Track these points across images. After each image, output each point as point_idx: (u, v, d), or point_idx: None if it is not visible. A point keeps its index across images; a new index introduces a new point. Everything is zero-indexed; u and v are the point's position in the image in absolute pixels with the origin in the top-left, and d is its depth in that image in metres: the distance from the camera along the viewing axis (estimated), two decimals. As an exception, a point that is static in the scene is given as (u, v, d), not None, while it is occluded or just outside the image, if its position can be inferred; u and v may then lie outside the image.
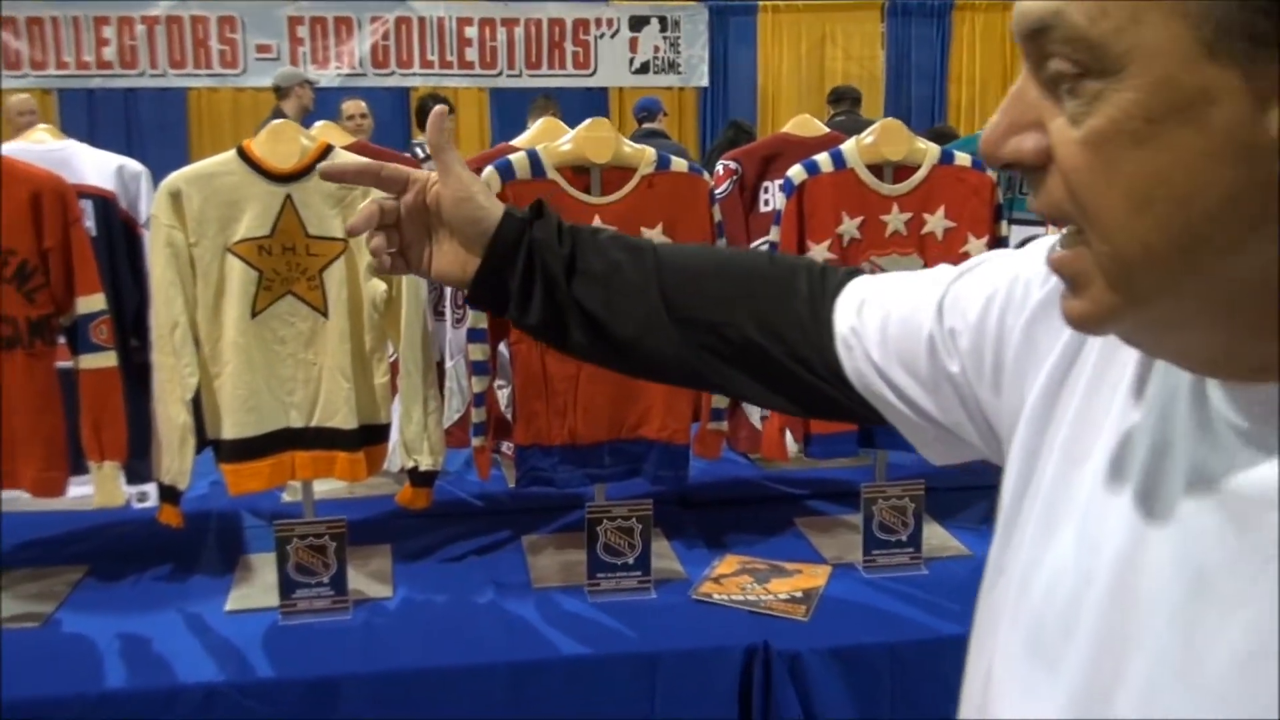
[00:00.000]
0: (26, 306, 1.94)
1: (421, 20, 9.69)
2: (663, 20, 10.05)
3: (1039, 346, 0.68)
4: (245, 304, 2.00)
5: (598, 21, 9.95)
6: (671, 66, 10.10)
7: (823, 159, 2.18)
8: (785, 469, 2.73)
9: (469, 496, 2.57)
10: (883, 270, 2.19)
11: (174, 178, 1.98)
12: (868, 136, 2.21)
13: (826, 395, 0.89)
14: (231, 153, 2.01)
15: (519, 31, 9.80)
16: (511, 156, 2.07)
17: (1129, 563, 0.57)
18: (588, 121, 2.13)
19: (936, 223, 2.20)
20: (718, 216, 2.14)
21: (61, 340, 2.02)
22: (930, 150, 2.21)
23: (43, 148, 2.39)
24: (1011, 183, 2.59)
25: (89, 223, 2.33)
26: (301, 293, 2.02)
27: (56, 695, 1.70)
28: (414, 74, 9.71)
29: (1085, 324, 0.56)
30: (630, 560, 2.02)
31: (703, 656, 1.85)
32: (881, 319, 0.83)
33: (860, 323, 0.84)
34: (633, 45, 10.00)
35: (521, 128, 3.09)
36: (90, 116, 9.28)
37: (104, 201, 2.36)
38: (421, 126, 6.73)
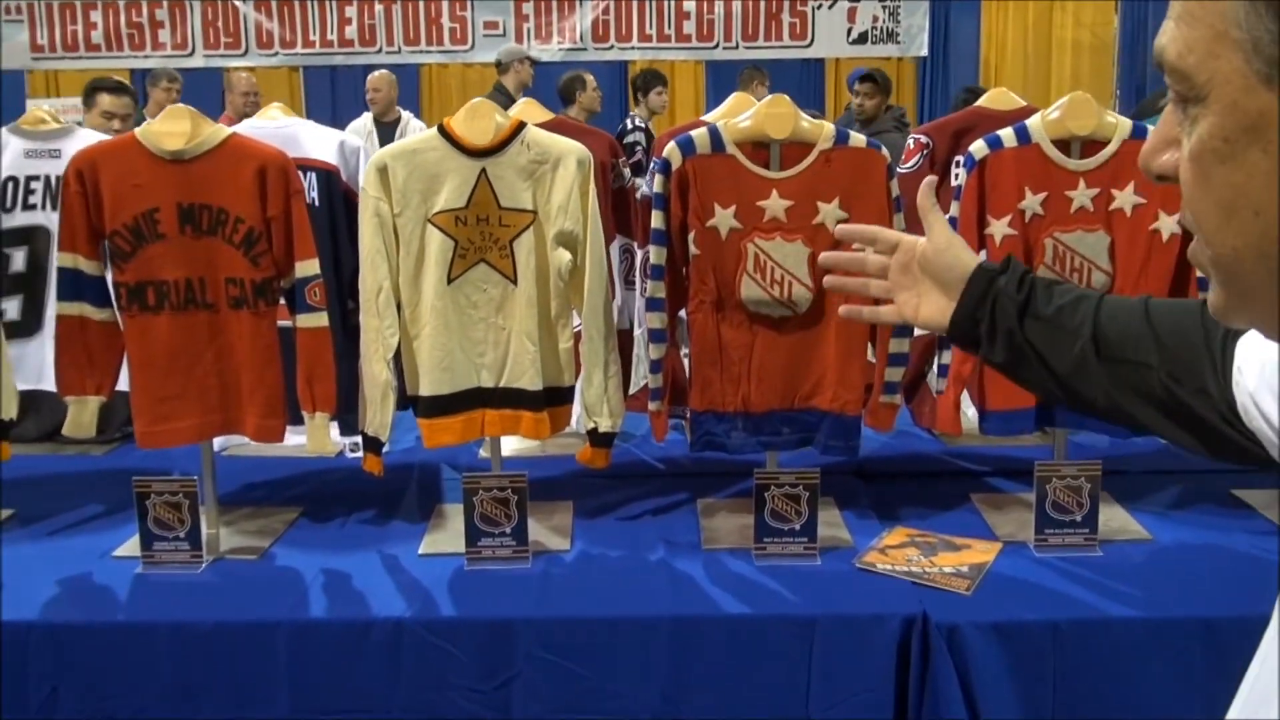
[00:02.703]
0: (252, 270, 2.14)
1: (642, -6, 9.84)
2: (883, -11, 9.87)
3: None
4: (442, 271, 2.14)
5: (816, -8, 9.86)
6: (890, 36, 9.90)
7: (1006, 134, 2.15)
8: (967, 445, 2.69)
9: (649, 459, 2.67)
10: (1067, 246, 2.17)
11: (382, 153, 2.14)
12: (1054, 111, 2.16)
13: (1222, 433, 0.99)
14: (434, 130, 2.15)
15: (736, 4, 9.81)
16: (693, 132, 2.14)
17: None
18: (769, 98, 2.17)
19: (1125, 199, 2.14)
20: (895, 192, 2.13)
21: (281, 302, 2.21)
22: (1121, 124, 2.14)
23: (274, 124, 2.62)
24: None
25: (313, 194, 2.55)
26: (493, 261, 2.16)
27: (268, 619, 1.90)
28: (632, 48, 9.88)
29: (1216, 315, 0.63)
30: (797, 526, 2.06)
31: (861, 623, 1.88)
32: (1261, 357, 0.91)
33: (1245, 361, 0.94)
34: (851, 15, 9.84)
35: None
36: (333, 91, 9.89)
37: (327, 174, 2.58)
38: (636, 100, 6.87)
